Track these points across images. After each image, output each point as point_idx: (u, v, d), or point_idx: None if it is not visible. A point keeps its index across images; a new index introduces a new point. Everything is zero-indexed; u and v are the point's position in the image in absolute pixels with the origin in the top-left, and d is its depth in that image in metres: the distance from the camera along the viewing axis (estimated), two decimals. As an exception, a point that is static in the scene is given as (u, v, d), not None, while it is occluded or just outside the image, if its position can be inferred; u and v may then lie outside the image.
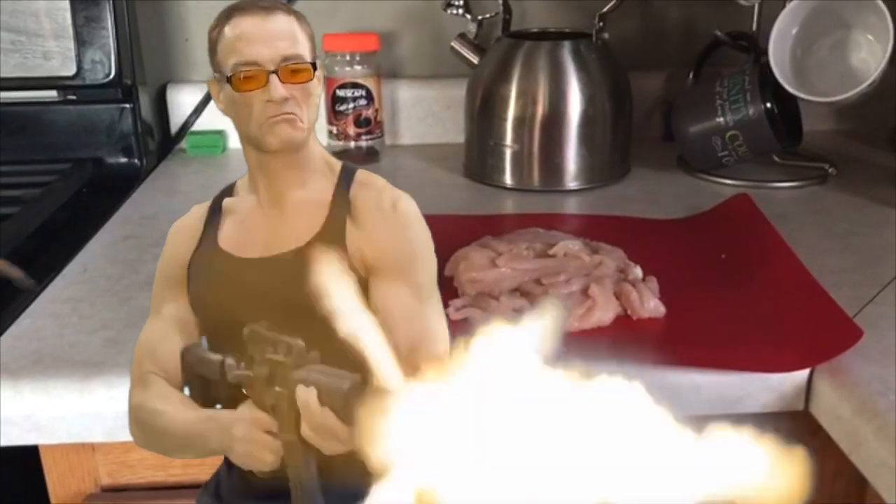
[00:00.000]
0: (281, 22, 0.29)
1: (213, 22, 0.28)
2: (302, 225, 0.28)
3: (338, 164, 0.31)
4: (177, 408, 0.30)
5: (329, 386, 0.25)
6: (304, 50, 0.29)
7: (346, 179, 0.29)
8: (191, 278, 0.30)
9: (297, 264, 0.27)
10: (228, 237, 0.29)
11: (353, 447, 0.24)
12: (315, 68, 0.29)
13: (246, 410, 0.31)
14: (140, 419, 0.31)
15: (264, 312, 0.28)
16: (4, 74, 1.04)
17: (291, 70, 0.27)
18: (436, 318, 0.28)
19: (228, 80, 0.28)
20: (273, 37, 0.28)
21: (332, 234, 0.28)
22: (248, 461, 0.30)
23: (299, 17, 0.29)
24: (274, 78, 0.28)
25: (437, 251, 0.42)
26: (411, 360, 0.22)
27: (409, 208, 0.28)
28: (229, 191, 0.32)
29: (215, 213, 0.31)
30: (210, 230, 0.29)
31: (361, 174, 0.30)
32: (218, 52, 0.28)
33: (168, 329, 0.31)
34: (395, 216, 0.28)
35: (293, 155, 0.29)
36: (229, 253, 0.29)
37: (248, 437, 0.29)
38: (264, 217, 0.29)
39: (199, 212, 0.31)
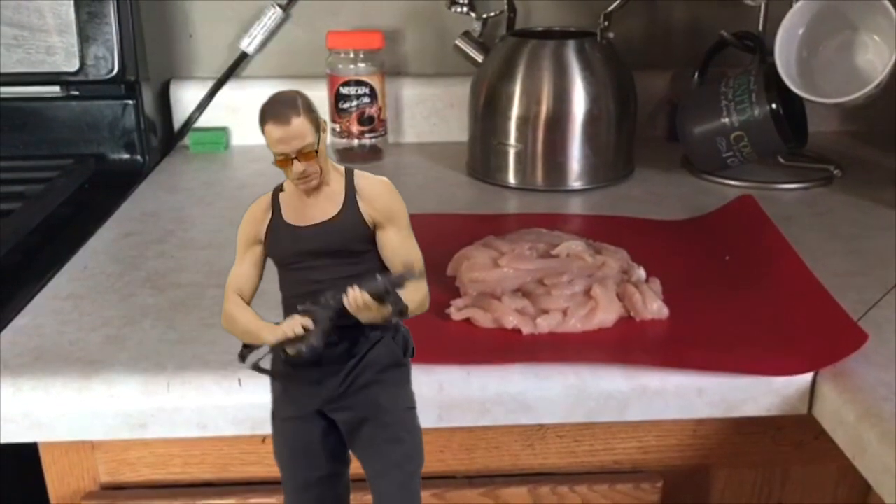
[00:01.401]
0: (295, 126, 0.45)
1: (262, 105, 0.46)
2: (330, 205, 0.47)
3: (342, 168, 0.48)
4: (245, 313, 0.49)
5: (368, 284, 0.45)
6: (311, 138, 0.45)
7: (348, 178, 0.48)
8: (269, 238, 0.48)
9: (332, 224, 0.47)
10: (287, 215, 0.47)
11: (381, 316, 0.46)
12: (319, 138, 0.46)
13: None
14: (225, 319, 0.49)
15: (315, 255, 0.47)
16: (7, 70, 1.04)
17: (304, 154, 0.45)
18: (415, 245, 0.48)
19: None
20: (292, 139, 0.45)
21: (350, 207, 0.47)
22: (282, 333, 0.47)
23: (304, 106, 0.46)
24: (295, 161, 0.45)
25: (440, 250, 0.55)
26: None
27: (389, 185, 0.48)
28: (278, 190, 0.48)
29: (276, 201, 0.48)
30: (276, 208, 0.48)
31: (357, 172, 0.49)
32: (264, 134, 0.45)
33: (243, 268, 0.49)
34: (382, 190, 0.48)
35: None
36: (290, 223, 0.47)
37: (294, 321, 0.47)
38: (305, 203, 0.47)
39: (266, 197, 0.48)
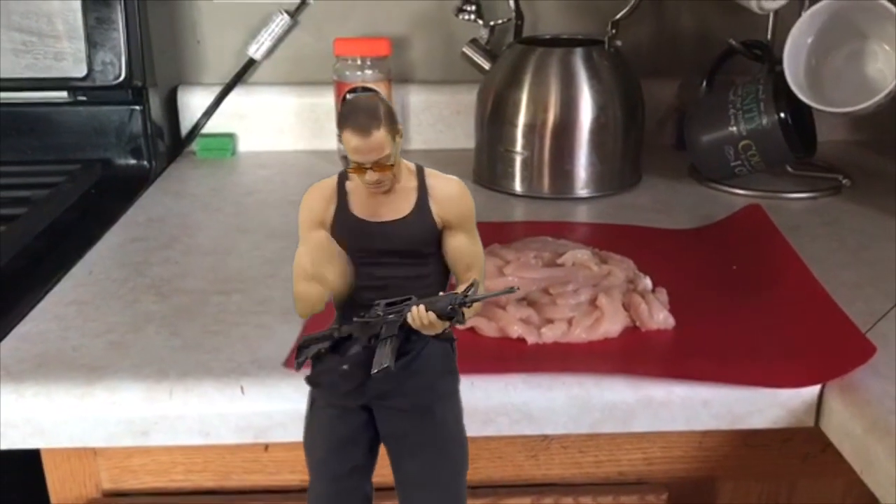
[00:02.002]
0: (375, 139, 0.44)
1: (343, 105, 0.46)
2: (402, 204, 0.47)
3: (413, 166, 0.48)
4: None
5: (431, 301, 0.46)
6: (389, 149, 0.45)
7: (419, 175, 0.48)
8: (336, 228, 0.47)
9: (404, 224, 0.47)
10: (355, 208, 0.47)
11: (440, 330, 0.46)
12: (396, 149, 0.46)
13: None
14: (303, 302, 0.48)
15: (383, 253, 0.47)
16: (16, 75, 1.04)
17: (379, 166, 0.45)
18: (481, 250, 0.49)
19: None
20: (370, 150, 0.44)
21: (422, 208, 0.47)
22: None
23: (385, 116, 0.45)
24: (369, 171, 0.45)
25: None
26: (469, 274, 0.48)
27: (462, 185, 0.48)
28: (343, 177, 0.48)
29: (342, 190, 0.47)
30: (342, 199, 0.47)
31: (427, 170, 0.48)
32: (342, 138, 0.45)
33: (312, 251, 0.47)
34: (455, 191, 0.48)
35: None
36: (361, 217, 0.47)
37: None
38: (375, 199, 0.47)
39: (330, 182, 0.48)
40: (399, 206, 0.47)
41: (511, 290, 0.48)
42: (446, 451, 0.50)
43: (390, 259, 0.47)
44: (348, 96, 0.45)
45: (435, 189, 0.47)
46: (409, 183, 0.47)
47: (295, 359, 0.49)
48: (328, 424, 0.49)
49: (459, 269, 0.48)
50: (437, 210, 0.47)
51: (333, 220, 0.47)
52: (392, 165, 0.45)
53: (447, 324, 0.46)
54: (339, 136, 0.46)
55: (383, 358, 0.46)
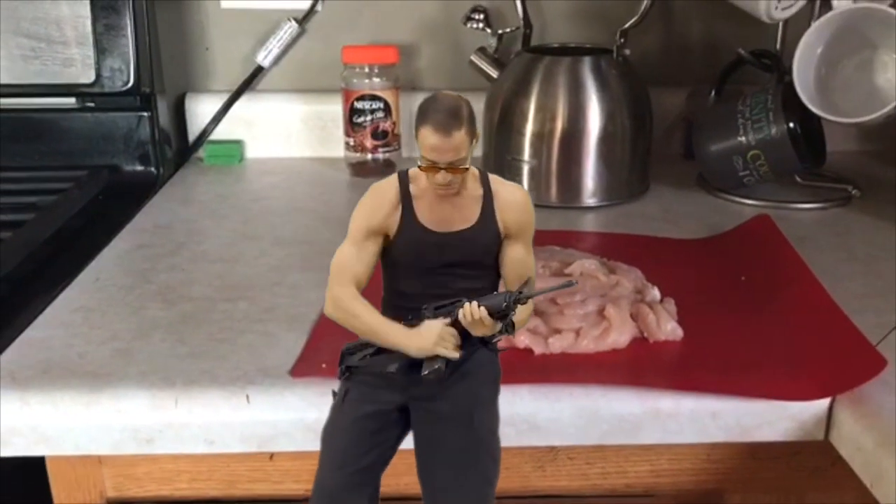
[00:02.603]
0: (455, 140, 0.44)
1: (424, 101, 0.45)
2: (468, 212, 0.47)
3: (477, 171, 0.47)
4: (368, 309, 0.47)
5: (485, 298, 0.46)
6: (465, 152, 0.44)
7: (484, 181, 0.47)
8: (401, 236, 0.46)
9: (471, 234, 0.46)
10: (422, 215, 0.46)
11: (490, 331, 0.46)
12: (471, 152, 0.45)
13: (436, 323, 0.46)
14: (338, 307, 0.47)
15: (452, 265, 0.47)
16: (25, 81, 1.05)
17: (453, 167, 0.44)
18: (533, 261, 0.48)
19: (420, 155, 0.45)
20: (447, 151, 0.44)
21: (488, 216, 0.47)
22: (435, 349, 0.46)
23: (467, 118, 0.44)
24: (442, 172, 0.44)
25: None
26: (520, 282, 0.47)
27: (527, 195, 0.48)
28: (407, 177, 0.47)
29: (407, 195, 0.47)
30: (407, 206, 0.46)
31: (491, 176, 0.48)
32: (418, 136, 0.45)
33: (363, 256, 0.47)
34: (521, 201, 0.47)
35: None
36: (427, 227, 0.46)
37: (442, 335, 0.46)
38: (441, 206, 0.46)
39: (393, 186, 0.47)
40: (466, 215, 0.47)
41: (570, 283, 0.48)
42: (479, 459, 0.49)
43: (450, 271, 0.47)
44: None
45: (500, 196, 0.47)
46: (475, 190, 0.47)
47: (339, 365, 0.49)
48: (360, 418, 0.49)
49: (511, 280, 0.48)
50: (502, 217, 0.47)
51: (399, 229, 0.47)
52: (466, 169, 0.45)
53: (499, 325, 0.45)
54: (416, 132, 0.44)
55: (435, 361, 0.46)
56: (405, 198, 0.47)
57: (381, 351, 0.48)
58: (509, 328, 0.46)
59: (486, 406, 0.50)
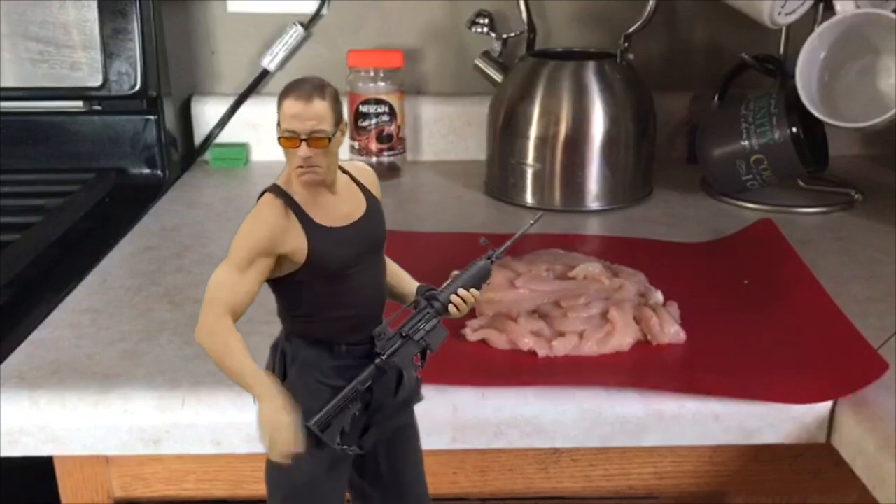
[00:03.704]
0: (316, 107, 0.42)
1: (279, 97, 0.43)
2: (355, 198, 0.46)
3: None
4: (242, 349, 0.44)
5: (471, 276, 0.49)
6: (328, 125, 0.42)
7: (342, 168, 0.46)
8: (315, 245, 0.44)
9: (370, 218, 0.46)
10: (324, 220, 0.44)
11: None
12: (335, 133, 0.43)
13: (275, 396, 0.44)
14: (213, 339, 0.44)
15: (362, 254, 0.45)
16: (33, 84, 1.05)
17: (314, 139, 0.42)
18: None
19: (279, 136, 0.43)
20: (308, 118, 0.42)
21: (368, 193, 0.47)
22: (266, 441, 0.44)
23: (330, 95, 0.43)
24: (303, 145, 0.42)
25: (456, 269, 0.53)
26: None
27: (365, 165, 0.49)
28: (284, 192, 0.44)
29: (294, 204, 0.44)
30: (301, 214, 0.44)
31: (342, 162, 0.46)
32: (279, 115, 0.43)
33: (245, 284, 0.44)
34: (367, 168, 0.49)
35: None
36: (327, 226, 0.44)
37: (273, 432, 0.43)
38: (331, 201, 0.45)
39: (274, 203, 0.44)
40: (356, 201, 0.46)
41: (539, 217, 0.51)
42: (420, 443, 0.53)
43: (371, 259, 0.47)
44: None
45: (357, 173, 0.47)
46: (344, 180, 0.46)
47: (324, 434, 0.45)
48: (342, 459, 0.49)
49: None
50: (374, 192, 0.48)
51: (309, 244, 0.44)
52: (327, 142, 0.42)
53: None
54: (278, 112, 0.42)
55: (407, 358, 0.47)
56: (294, 208, 0.44)
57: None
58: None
59: (416, 388, 0.51)
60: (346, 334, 0.47)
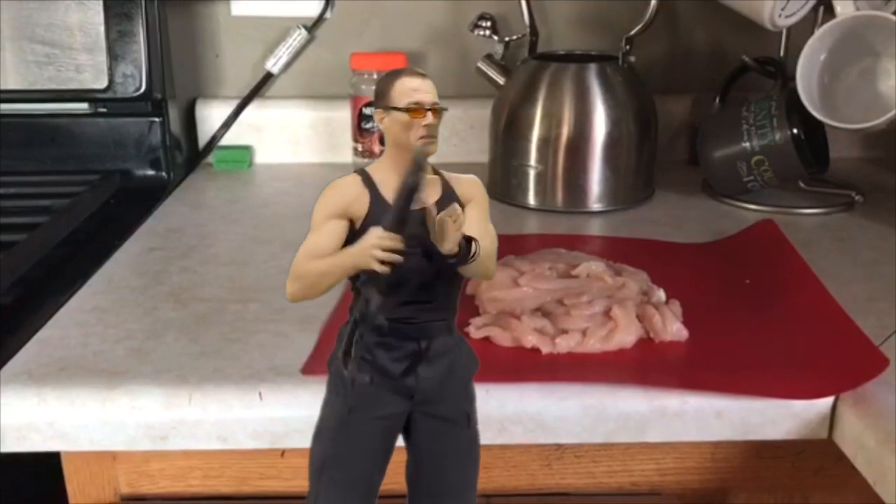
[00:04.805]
0: (430, 82, 0.46)
1: (380, 78, 0.46)
2: (431, 191, 0.47)
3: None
4: (317, 260, 0.46)
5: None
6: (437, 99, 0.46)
7: (436, 171, 0.48)
8: (373, 216, 0.46)
9: (441, 205, 0.46)
10: (390, 196, 0.46)
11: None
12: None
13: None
14: (294, 278, 0.46)
15: (420, 238, 0.45)
16: (38, 86, 1.06)
17: (435, 109, 0.45)
18: (493, 231, 0.50)
19: (398, 109, 0.45)
20: (429, 91, 0.45)
21: (448, 189, 0.48)
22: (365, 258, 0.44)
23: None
24: (429, 113, 0.45)
25: None
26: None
27: (475, 178, 0.50)
28: (366, 172, 0.47)
29: (370, 181, 0.47)
30: (373, 188, 0.46)
31: (453, 174, 0.49)
32: (393, 94, 0.45)
33: (323, 236, 0.46)
34: (469, 175, 0.49)
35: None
36: (391, 201, 0.45)
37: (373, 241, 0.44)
38: None
39: (353, 177, 0.47)
40: (431, 191, 0.47)
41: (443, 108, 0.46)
42: (474, 456, 0.51)
43: (426, 247, 0.46)
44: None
45: (454, 178, 0.48)
46: (431, 175, 0.47)
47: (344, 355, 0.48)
48: (374, 439, 0.48)
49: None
50: (461, 194, 0.48)
51: (368, 212, 0.46)
52: (441, 114, 0.45)
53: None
54: (386, 94, 0.45)
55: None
56: (369, 183, 0.47)
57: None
58: (471, 242, 0.46)
59: (474, 402, 0.51)
60: (391, 313, 0.47)
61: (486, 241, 0.48)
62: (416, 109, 0.45)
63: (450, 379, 0.49)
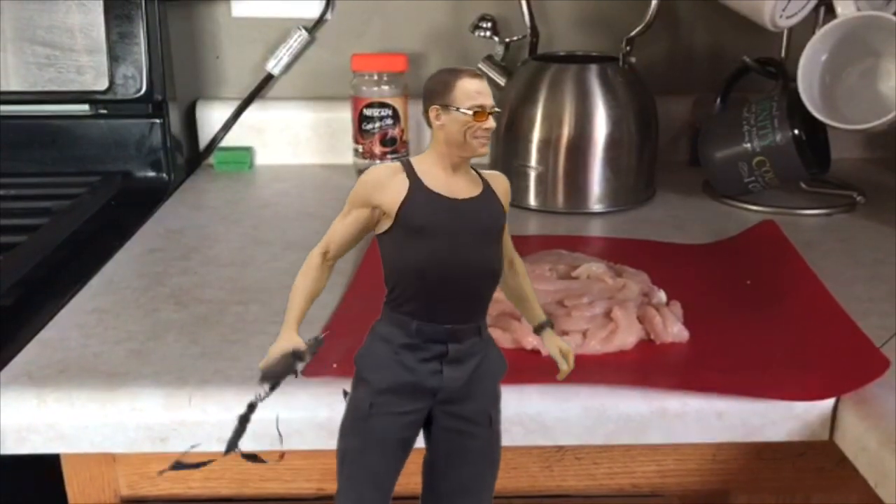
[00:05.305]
0: (487, 84, 0.46)
1: (436, 75, 0.46)
2: (473, 185, 0.47)
3: None
4: (306, 279, 0.49)
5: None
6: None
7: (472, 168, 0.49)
8: (409, 204, 0.46)
9: (481, 200, 0.47)
10: (433, 186, 0.46)
11: None
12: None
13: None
14: (300, 271, 0.49)
15: (452, 228, 0.46)
16: (39, 88, 1.06)
17: (494, 112, 0.46)
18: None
19: (462, 111, 0.45)
20: (488, 93, 0.46)
21: (489, 191, 0.48)
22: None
23: None
24: (490, 117, 0.45)
25: None
26: (513, 268, 0.52)
27: (508, 181, 0.50)
28: (408, 161, 0.47)
29: (412, 173, 0.47)
30: (415, 180, 0.46)
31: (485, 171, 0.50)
32: (455, 94, 0.45)
33: (342, 225, 0.48)
34: (506, 182, 0.50)
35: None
36: (440, 193, 0.46)
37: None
38: (449, 179, 0.47)
39: (393, 167, 0.47)
40: (472, 187, 0.47)
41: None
42: (493, 458, 0.51)
43: (466, 238, 0.46)
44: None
45: (490, 178, 0.49)
46: (471, 172, 0.48)
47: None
48: (395, 437, 0.48)
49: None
50: (498, 192, 0.49)
51: (407, 198, 0.46)
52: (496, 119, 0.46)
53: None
54: (446, 94, 0.45)
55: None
56: (411, 174, 0.47)
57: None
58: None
59: (498, 403, 0.51)
60: (421, 313, 0.47)
61: (519, 265, 0.52)
62: (479, 112, 0.45)
63: (475, 379, 0.48)
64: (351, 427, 0.49)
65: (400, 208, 0.46)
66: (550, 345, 0.53)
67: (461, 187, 0.47)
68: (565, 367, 0.53)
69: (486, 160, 1.09)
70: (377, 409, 0.48)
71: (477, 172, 0.48)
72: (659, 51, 1.19)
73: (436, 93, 0.46)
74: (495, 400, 0.51)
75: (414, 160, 0.47)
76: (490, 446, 0.50)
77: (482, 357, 0.49)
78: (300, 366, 0.48)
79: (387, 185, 0.46)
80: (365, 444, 0.48)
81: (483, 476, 0.50)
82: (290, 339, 0.48)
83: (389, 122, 1.11)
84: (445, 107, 0.46)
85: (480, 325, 0.49)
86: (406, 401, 0.48)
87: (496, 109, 0.46)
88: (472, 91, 0.45)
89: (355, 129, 1.12)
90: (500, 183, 0.49)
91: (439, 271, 0.46)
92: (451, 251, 0.46)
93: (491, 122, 0.45)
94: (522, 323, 0.68)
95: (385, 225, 0.47)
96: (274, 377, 0.48)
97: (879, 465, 0.57)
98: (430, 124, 0.47)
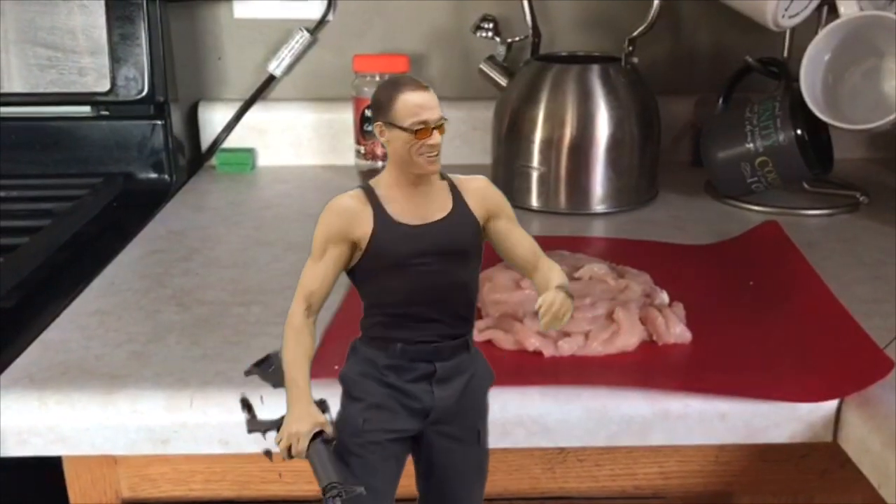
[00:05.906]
0: (434, 96, 0.44)
1: (379, 88, 0.44)
2: (441, 202, 0.45)
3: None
4: (297, 344, 0.47)
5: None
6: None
7: (443, 175, 0.46)
8: (377, 237, 0.45)
9: (451, 221, 0.45)
10: (397, 215, 0.45)
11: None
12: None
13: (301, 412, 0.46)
14: (287, 323, 0.47)
15: (427, 253, 0.45)
16: (41, 90, 1.06)
17: (440, 127, 0.43)
18: (525, 232, 0.48)
19: (403, 129, 0.43)
20: (433, 107, 0.43)
21: (460, 204, 0.46)
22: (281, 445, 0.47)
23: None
24: (434, 132, 0.43)
25: None
26: (542, 261, 0.48)
27: (485, 179, 0.48)
28: (369, 187, 0.46)
29: (374, 198, 0.45)
30: (378, 206, 0.45)
31: (449, 174, 0.47)
32: (396, 110, 0.43)
33: (320, 271, 0.46)
34: (485, 183, 0.48)
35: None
36: (405, 222, 0.45)
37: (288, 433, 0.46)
38: (414, 201, 0.45)
39: (357, 198, 0.45)
40: (441, 204, 0.45)
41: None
42: (483, 471, 0.51)
43: (440, 264, 0.45)
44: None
45: (463, 184, 0.46)
46: (439, 181, 0.46)
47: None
48: (388, 457, 0.48)
49: (522, 255, 0.48)
50: (473, 204, 0.46)
51: (374, 232, 0.44)
52: (443, 129, 0.43)
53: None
54: (386, 110, 0.43)
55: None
56: (373, 201, 0.45)
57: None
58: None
59: (486, 417, 0.50)
60: (403, 334, 0.46)
61: (528, 242, 0.48)
62: (422, 130, 0.43)
63: (465, 396, 0.48)
64: (342, 446, 0.48)
65: (369, 242, 0.45)
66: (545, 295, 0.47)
67: (426, 208, 0.45)
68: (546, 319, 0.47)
69: (487, 160, 1.09)
70: (369, 425, 0.47)
71: (450, 180, 0.46)
72: (661, 51, 1.19)
73: (379, 108, 0.44)
74: (483, 414, 0.50)
75: (374, 183, 0.46)
76: (479, 462, 0.51)
77: (471, 375, 0.48)
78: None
79: (360, 216, 0.45)
80: (359, 464, 0.48)
81: (472, 491, 0.50)
82: (309, 417, 0.46)
83: (391, 122, 1.10)
84: (389, 124, 0.44)
85: (468, 338, 0.48)
86: (397, 419, 0.47)
87: (443, 121, 0.43)
88: (414, 105, 0.43)
89: (357, 131, 1.12)
90: (474, 190, 0.47)
91: (415, 300, 0.45)
92: (420, 280, 0.45)
93: (436, 138, 0.43)
94: (524, 324, 0.68)
95: (356, 258, 0.46)
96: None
97: (883, 466, 0.57)
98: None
